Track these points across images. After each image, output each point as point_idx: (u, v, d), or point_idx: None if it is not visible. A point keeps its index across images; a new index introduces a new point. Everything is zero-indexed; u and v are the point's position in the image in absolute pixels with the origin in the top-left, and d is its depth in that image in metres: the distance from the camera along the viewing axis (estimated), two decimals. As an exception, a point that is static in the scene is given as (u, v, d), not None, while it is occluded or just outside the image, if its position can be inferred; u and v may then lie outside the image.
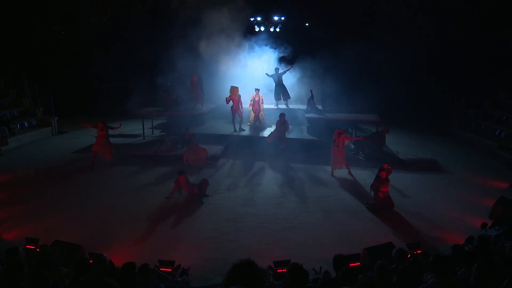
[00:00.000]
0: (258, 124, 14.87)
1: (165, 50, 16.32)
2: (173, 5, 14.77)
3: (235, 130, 14.23)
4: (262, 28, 17.10)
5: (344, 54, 15.59)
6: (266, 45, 16.39)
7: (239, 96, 13.80)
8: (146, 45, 18.32)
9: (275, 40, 16.53)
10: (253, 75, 15.78)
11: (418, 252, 6.41)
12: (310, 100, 14.95)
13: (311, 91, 15.08)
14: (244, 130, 14.46)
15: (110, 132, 12.17)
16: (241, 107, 14.01)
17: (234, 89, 13.75)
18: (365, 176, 11.22)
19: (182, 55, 14.76)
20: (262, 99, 14.59)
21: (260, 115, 14.87)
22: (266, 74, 15.30)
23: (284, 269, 5.74)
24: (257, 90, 14.41)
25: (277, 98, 15.52)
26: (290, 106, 15.81)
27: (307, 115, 14.48)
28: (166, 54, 15.29)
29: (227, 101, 13.71)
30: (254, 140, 13.76)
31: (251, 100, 14.57)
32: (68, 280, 4.95)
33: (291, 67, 15.44)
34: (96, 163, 12.03)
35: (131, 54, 18.01)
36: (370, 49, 16.37)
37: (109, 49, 18.22)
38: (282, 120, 12.68)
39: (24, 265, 4.53)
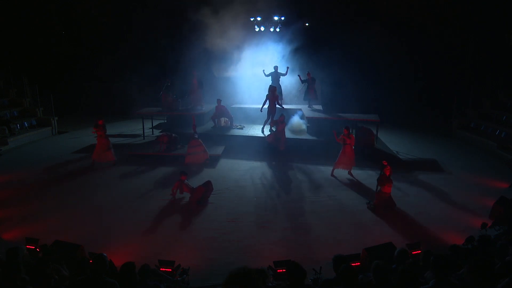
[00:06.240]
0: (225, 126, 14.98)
1: (166, 50, 16.37)
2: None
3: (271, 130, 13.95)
4: (262, 28, 17.12)
5: (344, 53, 15.60)
6: (266, 44, 16.45)
7: (277, 97, 13.70)
8: (146, 45, 18.35)
9: (275, 40, 16.59)
10: (255, 74, 15.84)
11: (418, 252, 6.42)
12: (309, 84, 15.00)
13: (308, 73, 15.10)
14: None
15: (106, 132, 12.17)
16: (277, 105, 13.76)
17: (272, 88, 13.65)
18: (364, 176, 11.22)
19: (183, 55, 14.80)
20: (226, 109, 14.79)
21: (224, 121, 14.94)
22: (263, 71, 15.30)
23: (284, 269, 5.74)
24: (219, 100, 14.55)
25: None
26: (285, 106, 15.77)
27: (307, 115, 14.50)
28: (167, 54, 15.32)
29: (265, 101, 13.51)
30: (254, 140, 13.75)
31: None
32: (67, 281, 4.95)
33: (287, 68, 15.38)
34: (96, 163, 12.04)
35: (131, 54, 18.02)
36: (370, 49, 16.40)
37: (110, 49, 18.23)
38: (281, 121, 12.70)
39: (22, 264, 4.53)
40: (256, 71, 15.83)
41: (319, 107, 15.68)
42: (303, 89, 15.67)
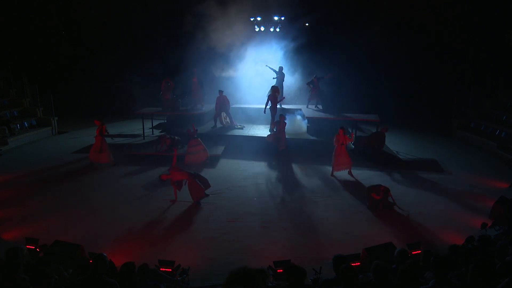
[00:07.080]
0: (226, 125, 14.93)
1: (166, 50, 16.37)
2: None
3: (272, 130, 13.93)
4: (262, 28, 17.12)
5: (344, 53, 15.59)
6: (266, 45, 16.47)
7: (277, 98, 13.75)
8: (146, 45, 18.34)
9: (276, 40, 16.60)
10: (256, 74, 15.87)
11: (418, 252, 6.42)
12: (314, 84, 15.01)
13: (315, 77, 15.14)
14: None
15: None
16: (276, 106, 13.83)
17: (275, 88, 13.66)
18: (365, 176, 11.22)
19: (183, 55, 14.79)
20: (228, 100, 14.59)
21: (224, 117, 14.88)
22: (267, 66, 15.30)
23: (283, 269, 5.74)
24: (220, 91, 14.41)
25: None
26: (284, 106, 15.79)
27: (307, 115, 14.50)
28: (167, 54, 15.31)
29: (267, 101, 13.56)
30: (254, 140, 13.75)
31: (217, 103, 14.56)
32: (67, 282, 4.95)
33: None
34: (96, 163, 12.02)
35: (131, 54, 18.02)
36: (370, 49, 16.40)
37: (110, 49, 18.23)
38: (282, 120, 12.71)
39: (22, 264, 4.53)
40: (258, 69, 15.85)
41: (312, 107, 15.66)
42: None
